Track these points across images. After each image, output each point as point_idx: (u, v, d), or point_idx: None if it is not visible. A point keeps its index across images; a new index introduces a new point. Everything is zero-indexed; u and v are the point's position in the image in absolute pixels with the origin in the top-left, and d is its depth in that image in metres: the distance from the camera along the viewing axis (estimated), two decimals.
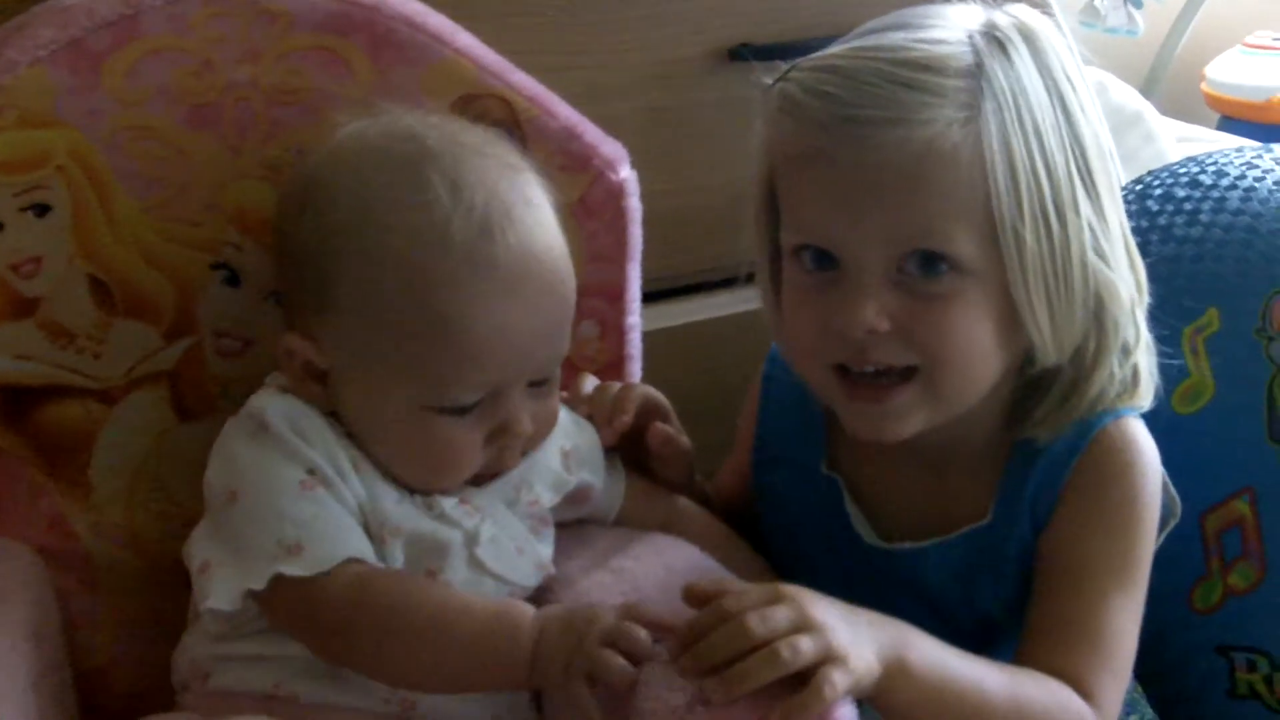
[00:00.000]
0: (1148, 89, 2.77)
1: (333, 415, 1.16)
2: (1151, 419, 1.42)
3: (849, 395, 1.22)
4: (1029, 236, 1.15)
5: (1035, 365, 1.22)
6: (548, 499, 1.24)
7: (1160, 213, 1.52)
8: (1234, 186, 1.50)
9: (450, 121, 1.21)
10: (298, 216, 1.16)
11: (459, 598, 1.10)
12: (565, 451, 1.26)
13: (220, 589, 1.08)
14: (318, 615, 1.08)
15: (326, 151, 1.17)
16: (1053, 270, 1.17)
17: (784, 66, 1.21)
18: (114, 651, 1.28)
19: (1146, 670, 1.38)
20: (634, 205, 1.36)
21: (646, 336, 1.43)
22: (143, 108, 1.20)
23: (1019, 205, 1.14)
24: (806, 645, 1.02)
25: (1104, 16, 2.55)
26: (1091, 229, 1.18)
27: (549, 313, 1.16)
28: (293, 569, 1.06)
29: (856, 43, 1.19)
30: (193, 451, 1.22)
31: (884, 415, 1.21)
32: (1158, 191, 1.55)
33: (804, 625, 1.04)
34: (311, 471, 1.11)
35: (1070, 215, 1.17)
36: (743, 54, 1.66)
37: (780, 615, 1.04)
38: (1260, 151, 1.56)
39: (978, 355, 1.19)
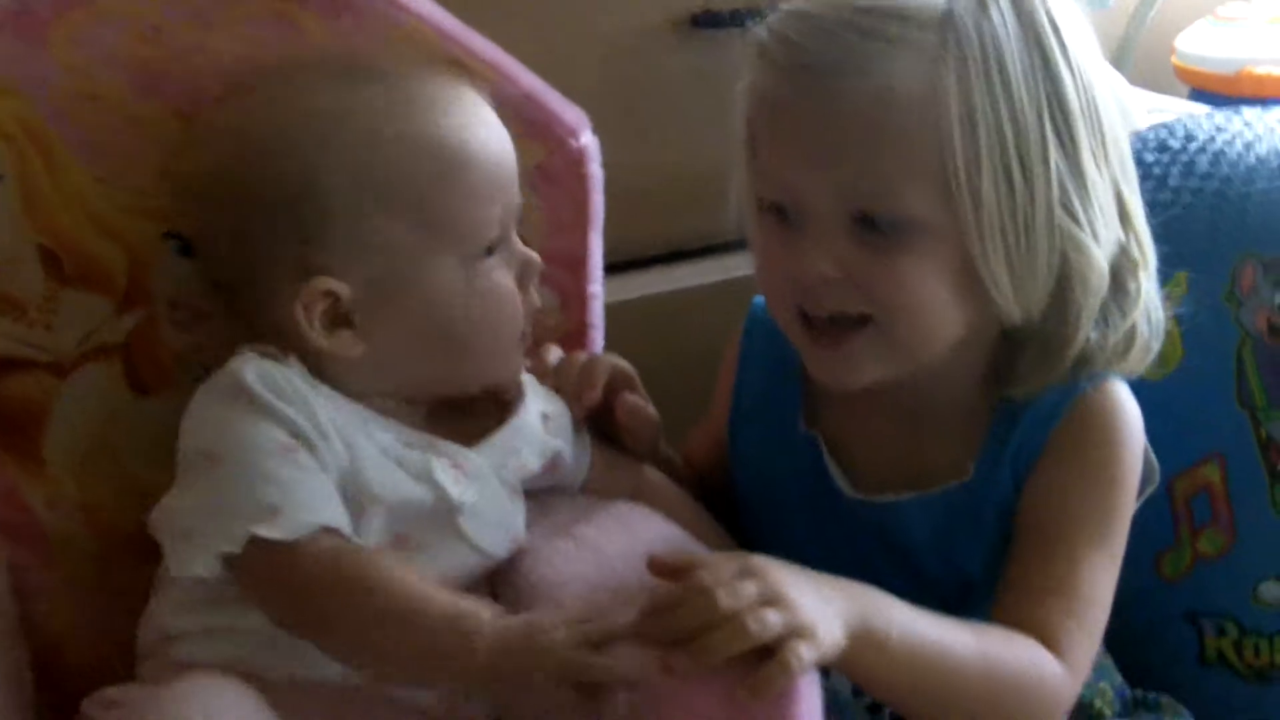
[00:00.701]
0: (1118, 61, 2.77)
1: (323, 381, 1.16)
2: None
3: (808, 340, 1.23)
4: (987, 190, 1.15)
5: (1008, 323, 1.23)
6: (534, 463, 1.24)
7: None
8: (1203, 150, 1.52)
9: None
10: (261, 165, 1.15)
11: (422, 590, 1.08)
12: (545, 415, 1.26)
13: (197, 556, 1.08)
14: (286, 582, 1.07)
15: (254, 101, 1.18)
16: (1013, 226, 1.16)
17: (765, 14, 1.22)
18: (70, 626, 1.28)
19: (1115, 638, 1.37)
20: (595, 172, 1.36)
21: (606, 309, 1.43)
22: (91, 74, 1.19)
23: (976, 158, 1.14)
24: (773, 619, 1.02)
25: None
26: (1063, 185, 1.17)
27: (510, 148, 1.20)
28: (268, 531, 1.05)
29: None
30: (148, 425, 1.23)
31: (839, 361, 1.23)
32: None
33: (772, 598, 1.03)
34: (295, 435, 1.10)
35: (1037, 170, 1.16)
36: (707, 21, 1.66)
37: (748, 588, 1.04)
38: (1229, 114, 1.57)
39: (932, 309, 1.19)
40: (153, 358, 1.26)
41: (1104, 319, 1.24)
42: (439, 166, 1.14)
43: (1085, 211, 1.20)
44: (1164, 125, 1.58)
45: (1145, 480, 1.30)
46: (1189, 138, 1.54)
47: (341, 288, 1.14)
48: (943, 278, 1.18)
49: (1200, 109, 1.69)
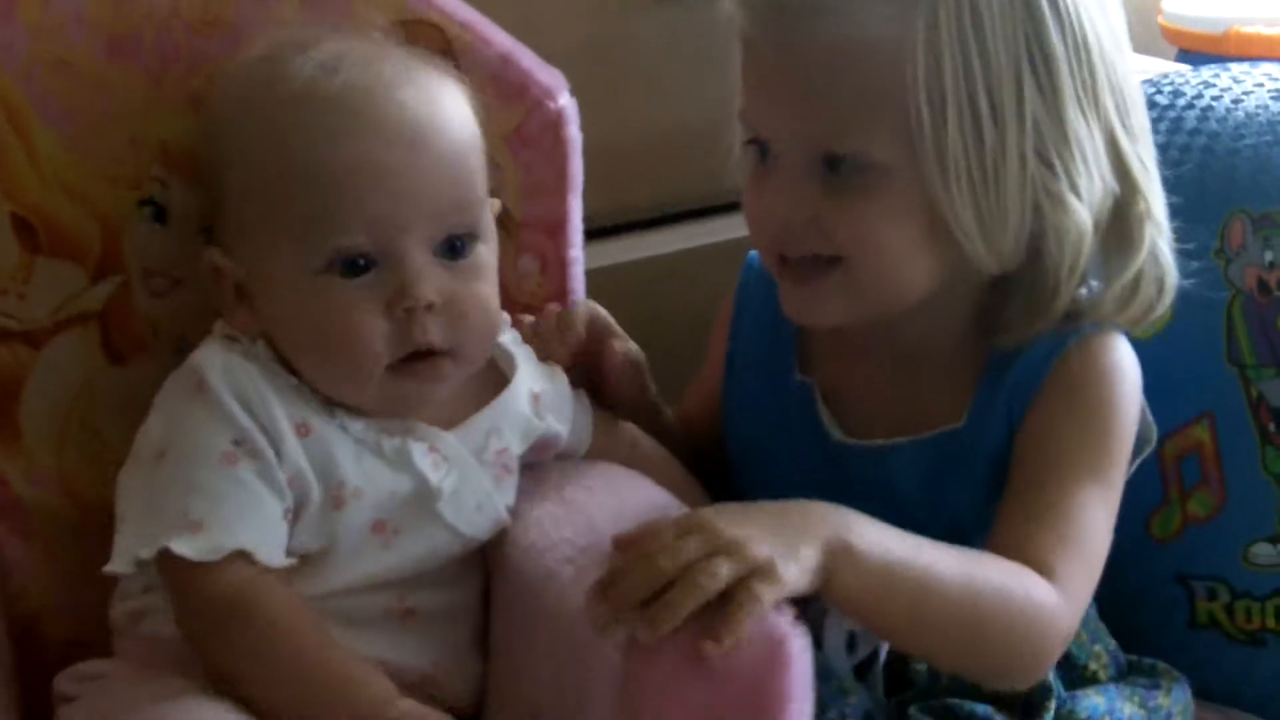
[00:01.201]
0: None
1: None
2: None
3: (780, 276, 1.26)
4: (952, 135, 1.15)
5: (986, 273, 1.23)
6: (516, 446, 1.24)
7: None
8: (1190, 106, 1.52)
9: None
10: (204, 134, 1.19)
11: (320, 651, 1.10)
12: (535, 395, 1.26)
13: (120, 550, 1.10)
14: (188, 598, 1.10)
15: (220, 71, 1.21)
16: (980, 173, 1.17)
17: None
18: (48, 599, 1.28)
19: (1104, 601, 1.38)
20: (574, 134, 1.35)
21: (590, 276, 1.43)
22: (59, 38, 1.20)
23: (941, 102, 1.15)
24: (723, 566, 1.03)
25: None
26: (1039, 133, 1.17)
27: (421, 160, 1.14)
28: (181, 547, 1.07)
29: None
30: (125, 395, 1.24)
31: (806, 299, 1.25)
32: None
33: (719, 547, 1.04)
34: (238, 442, 1.11)
35: (1009, 116, 1.16)
36: None
37: (691, 545, 1.04)
38: (1217, 70, 1.58)
39: (897, 253, 1.20)
40: (128, 326, 1.26)
41: (1105, 269, 1.25)
42: (293, 171, 1.13)
43: (1064, 162, 1.19)
44: (1150, 82, 1.58)
45: (1142, 440, 1.31)
46: (1176, 94, 1.54)
47: (227, 264, 1.17)
48: (908, 223, 1.19)
49: (1183, 68, 1.70)
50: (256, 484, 1.10)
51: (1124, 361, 1.27)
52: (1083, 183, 1.20)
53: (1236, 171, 1.47)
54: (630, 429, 1.37)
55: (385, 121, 1.13)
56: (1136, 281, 1.26)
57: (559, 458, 1.31)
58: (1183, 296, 1.41)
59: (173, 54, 1.23)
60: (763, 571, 1.03)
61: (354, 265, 1.13)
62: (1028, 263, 1.22)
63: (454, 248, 1.16)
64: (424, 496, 1.17)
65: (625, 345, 1.35)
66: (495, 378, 1.25)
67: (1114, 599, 1.36)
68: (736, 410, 1.41)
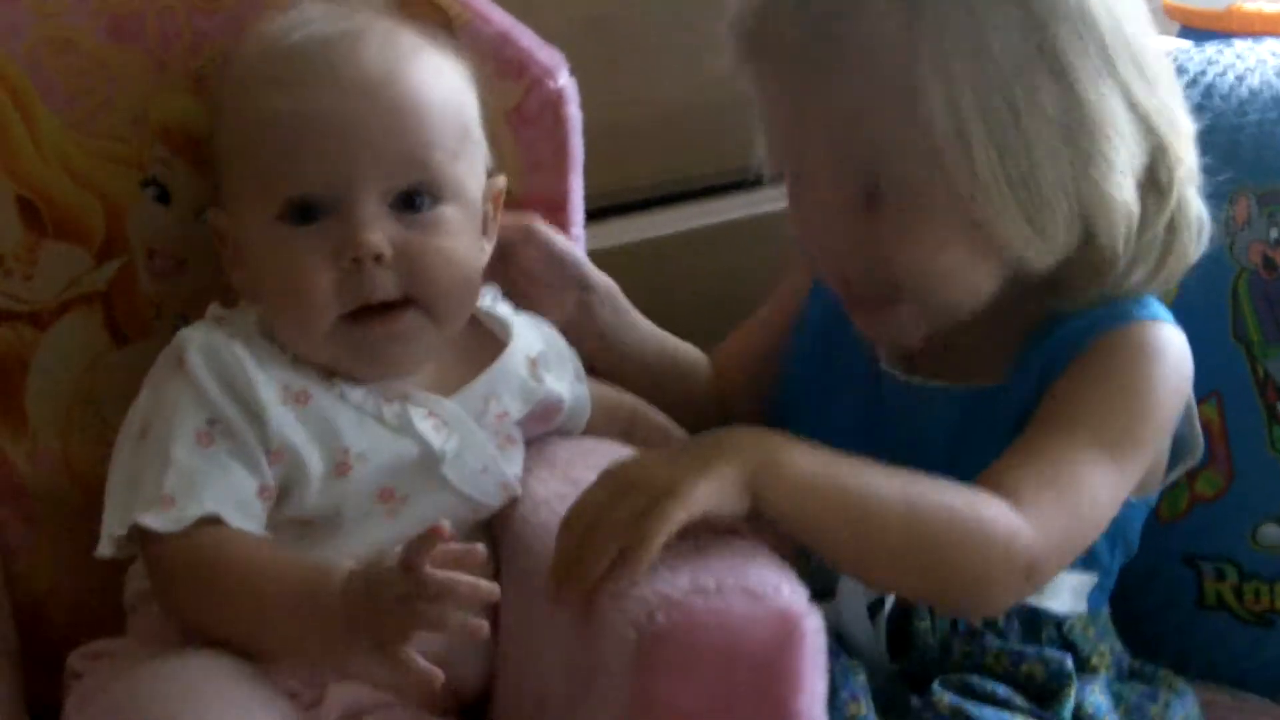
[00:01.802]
0: None
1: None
2: None
3: (850, 305, 1.29)
4: (978, 149, 1.16)
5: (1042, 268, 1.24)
6: (516, 410, 1.26)
7: None
8: (1194, 83, 1.53)
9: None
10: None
11: (272, 560, 1.12)
12: (531, 359, 1.28)
13: (104, 534, 1.13)
14: (162, 568, 1.13)
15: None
16: (1016, 177, 1.18)
17: None
18: (52, 581, 1.31)
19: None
20: (574, 113, 1.38)
21: (594, 256, 1.44)
22: (62, 20, 1.23)
23: (961, 120, 1.16)
24: (622, 508, 1.06)
25: None
26: (1063, 119, 1.18)
27: (376, 110, 1.16)
28: (151, 521, 1.10)
29: None
30: (129, 376, 1.25)
31: (884, 326, 1.28)
32: None
33: (619, 491, 1.07)
34: (212, 421, 1.14)
35: (1027, 112, 1.17)
36: None
37: (591, 500, 1.08)
38: (1220, 47, 1.59)
39: (958, 273, 1.23)
40: (132, 306, 1.29)
41: (1140, 218, 1.24)
42: (250, 123, 1.18)
43: (1095, 142, 1.20)
44: None
45: (1184, 450, 1.33)
46: (1180, 71, 1.54)
47: (224, 223, 1.21)
48: (961, 241, 1.21)
49: (1185, 44, 1.71)
50: (230, 462, 1.13)
51: (1170, 348, 1.27)
52: (1119, 156, 1.21)
53: (1241, 148, 1.48)
54: (630, 401, 1.39)
55: (340, 72, 1.16)
56: (1173, 227, 1.27)
57: (561, 431, 1.33)
58: (1187, 275, 1.43)
59: (174, 35, 1.26)
60: (668, 492, 1.05)
61: (305, 213, 1.16)
62: (1082, 240, 1.23)
63: (411, 202, 1.18)
64: (427, 461, 1.20)
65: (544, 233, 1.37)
66: (492, 344, 1.27)
67: (1121, 579, 1.37)
68: (804, 335, 1.44)
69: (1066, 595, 1.31)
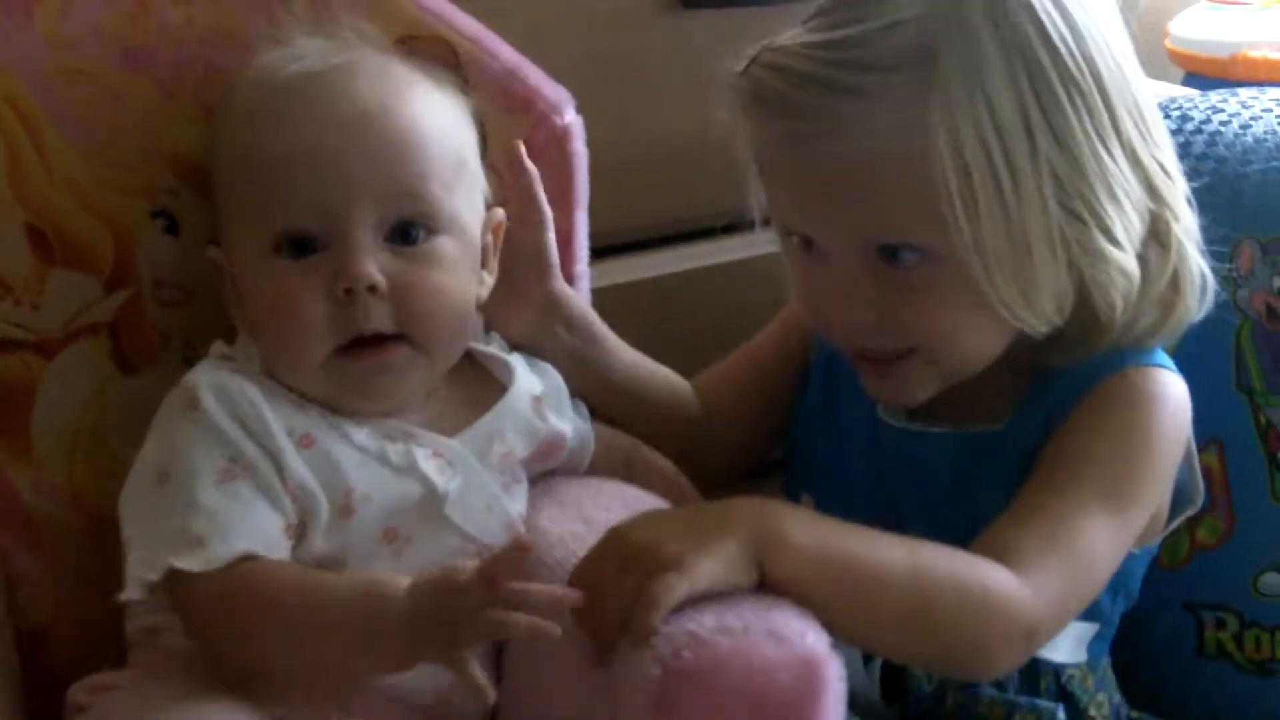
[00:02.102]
0: None
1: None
2: None
3: (858, 364, 1.31)
4: (984, 217, 1.18)
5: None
6: (521, 449, 1.27)
7: None
8: (1199, 131, 1.55)
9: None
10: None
11: (321, 580, 1.13)
12: (535, 397, 1.30)
13: (131, 578, 1.13)
14: (193, 610, 1.13)
15: None
16: (1011, 244, 1.19)
17: (753, 51, 1.26)
18: (55, 610, 1.31)
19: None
20: (579, 150, 1.40)
21: (593, 294, 1.47)
22: (76, 50, 1.24)
23: (969, 187, 1.18)
24: (627, 583, 1.07)
25: None
26: (1059, 182, 1.19)
27: (367, 143, 1.18)
28: (186, 563, 1.10)
29: (811, 33, 1.22)
30: (134, 405, 1.26)
31: (894, 386, 1.30)
32: None
33: (624, 564, 1.08)
34: (233, 459, 1.14)
35: (1026, 177, 1.19)
36: (695, 1, 1.69)
37: (595, 570, 1.10)
38: (1225, 95, 1.60)
39: (967, 332, 1.25)
40: (139, 336, 1.30)
41: (1143, 274, 1.26)
42: (244, 157, 1.20)
43: (1091, 209, 1.21)
44: (1159, 106, 1.59)
45: (1185, 500, 1.34)
46: (1184, 118, 1.57)
47: (222, 258, 1.23)
48: (969, 301, 1.22)
49: (1190, 92, 1.72)
50: (254, 498, 1.14)
51: (1169, 395, 1.29)
52: (1118, 225, 1.23)
53: (1244, 197, 1.49)
54: (626, 440, 1.41)
55: (332, 105, 1.18)
56: (1175, 284, 1.29)
57: (565, 469, 1.35)
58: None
59: (186, 66, 1.28)
60: (673, 567, 1.07)
61: (299, 246, 1.17)
62: (1079, 304, 1.25)
63: (406, 234, 1.19)
64: (431, 500, 1.20)
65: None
66: (493, 385, 1.29)
67: (1122, 625, 1.39)
68: (811, 377, 1.46)
69: (1067, 645, 1.32)
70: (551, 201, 1.38)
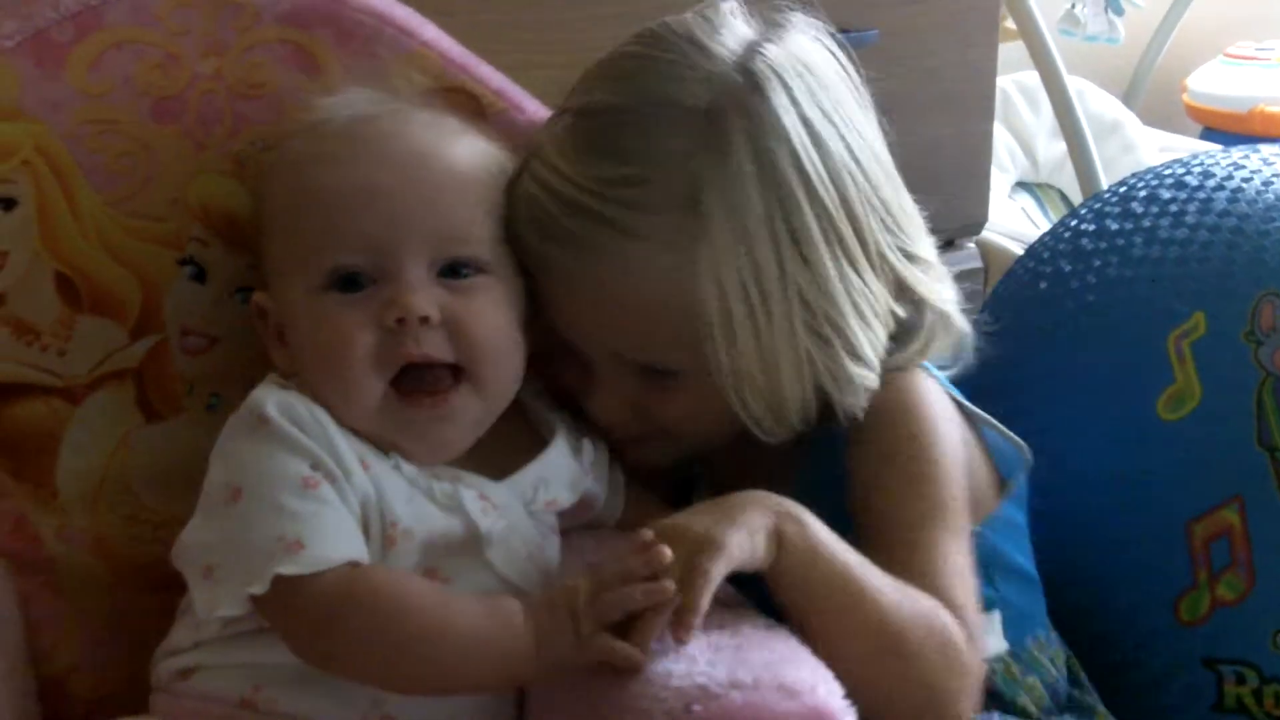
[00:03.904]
0: (1129, 98, 2.85)
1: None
2: (1136, 426, 1.48)
3: (612, 442, 1.35)
4: (740, 350, 1.23)
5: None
6: (565, 498, 1.29)
7: (1144, 215, 1.58)
8: (1220, 187, 1.56)
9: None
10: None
11: (450, 596, 1.15)
12: (574, 446, 1.31)
13: (223, 596, 1.12)
14: (313, 616, 1.12)
15: None
16: (762, 370, 1.25)
17: (534, 144, 1.29)
18: (77, 657, 1.32)
19: (1128, 683, 1.43)
20: None
21: None
22: (107, 100, 1.27)
23: (730, 328, 1.23)
24: (665, 553, 1.10)
25: (1084, 24, 2.63)
26: (806, 305, 1.24)
27: (420, 185, 1.21)
28: (291, 568, 1.10)
29: (582, 156, 1.24)
30: (158, 452, 1.30)
31: (639, 458, 1.36)
32: (1142, 193, 1.61)
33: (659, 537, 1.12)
34: (315, 466, 1.15)
35: (777, 309, 1.23)
36: None
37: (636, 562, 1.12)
38: (1247, 152, 1.62)
39: (714, 423, 1.31)
40: (164, 384, 1.32)
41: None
42: (296, 197, 1.22)
43: (838, 330, 1.26)
44: (1181, 162, 1.63)
45: (1012, 460, 1.39)
46: (1206, 175, 1.58)
47: (268, 303, 1.24)
48: (719, 406, 1.27)
49: (1211, 147, 1.73)
50: (339, 504, 1.15)
51: (918, 392, 1.33)
52: (864, 342, 1.28)
53: (1266, 253, 1.50)
54: (659, 503, 1.40)
55: (386, 148, 1.21)
56: (925, 345, 1.35)
57: (591, 525, 1.36)
58: (1212, 378, 1.45)
59: (215, 118, 1.30)
60: (702, 544, 1.11)
61: (350, 281, 1.19)
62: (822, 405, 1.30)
63: (456, 271, 1.21)
64: (473, 542, 1.21)
65: None
66: (537, 438, 1.30)
67: (1138, 680, 1.40)
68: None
69: None
70: None
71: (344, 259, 1.19)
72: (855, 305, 1.26)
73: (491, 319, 1.22)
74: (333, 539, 1.12)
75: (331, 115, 1.24)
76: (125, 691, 1.27)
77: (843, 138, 1.27)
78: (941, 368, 1.39)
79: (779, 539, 1.15)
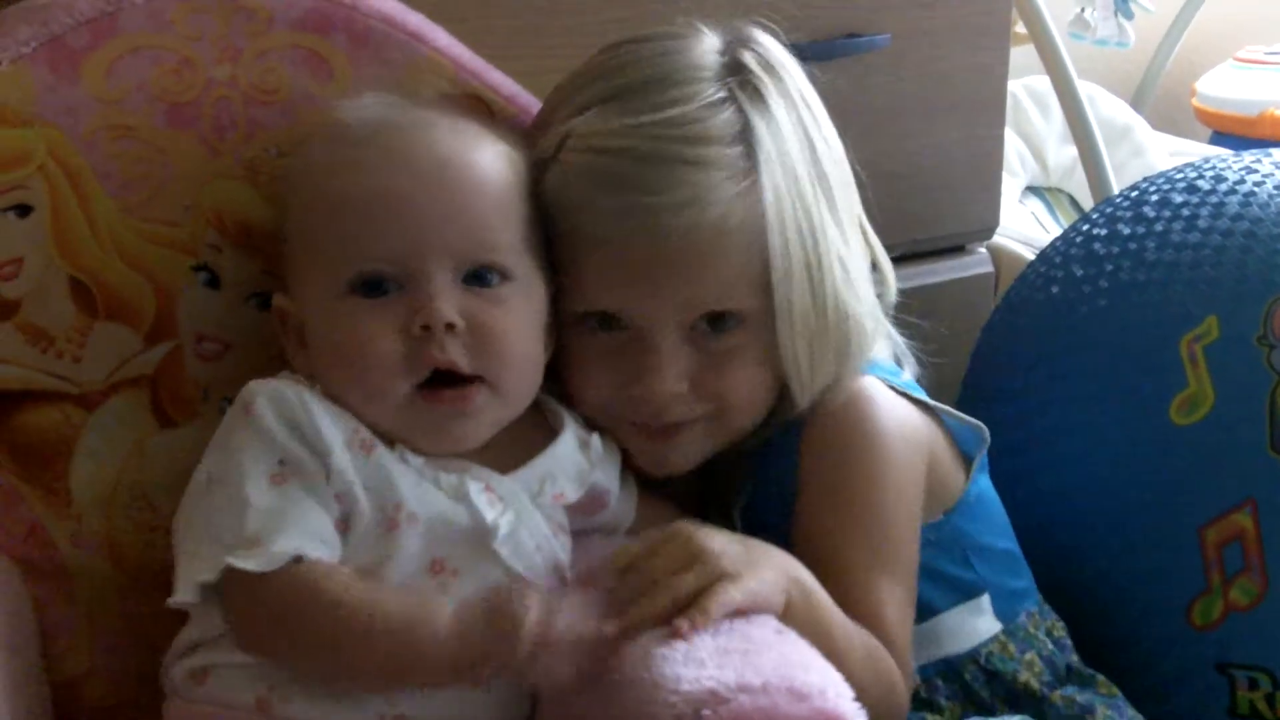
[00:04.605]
0: (1138, 102, 2.85)
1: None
2: (1149, 430, 1.48)
3: (639, 437, 1.35)
4: (797, 288, 1.27)
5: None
6: (571, 492, 1.30)
7: (1157, 219, 1.58)
8: (1233, 191, 1.57)
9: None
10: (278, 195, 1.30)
11: (380, 595, 1.15)
12: (582, 440, 1.32)
13: (182, 580, 1.15)
14: (255, 610, 1.15)
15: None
16: (814, 315, 1.29)
17: (558, 133, 1.29)
18: (91, 662, 1.33)
19: (1141, 687, 1.42)
20: None
21: None
22: (122, 106, 1.27)
23: (790, 261, 1.27)
24: (690, 576, 1.14)
25: (1094, 28, 2.63)
26: (841, 262, 1.30)
27: (446, 192, 1.22)
28: (243, 562, 1.12)
29: (628, 116, 1.27)
30: (173, 459, 1.30)
31: (670, 453, 1.35)
32: (1154, 197, 1.62)
33: (691, 559, 1.15)
34: (284, 462, 1.17)
35: (825, 256, 1.29)
36: None
37: (665, 555, 1.16)
38: (1259, 156, 1.62)
39: (758, 395, 1.33)
40: (178, 389, 1.33)
41: None
42: (322, 202, 1.23)
43: (858, 278, 1.33)
44: (1192, 166, 1.63)
45: (974, 440, 1.41)
46: (1219, 179, 1.59)
47: (289, 305, 1.26)
48: (765, 369, 1.31)
49: (1222, 151, 1.73)
50: (305, 499, 1.16)
51: (870, 403, 1.36)
52: (862, 288, 1.35)
53: (1279, 257, 1.51)
54: (673, 509, 1.42)
55: (412, 155, 1.22)
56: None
57: (603, 530, 1.37)
58: (1225, 382, 1.46)
59: (229, 124, 1.31)
60: (733, 578, 1.14)
61: (375, 286, 1.21)
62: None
63: (481, 278, 1.23)
64: (479, 533, 1.22)
65: None
66: (546, 431, 1.31)
67: (1150, 685, 1.39)
68: None
69: (964, 632, 1.39)
70: None
71: (369, 265, 1.20)
72: (859, 260, 1.35)
73: (515, 325, 1.23)
74: (286, 535, 1.14)
75: (354, 121, 1.25)
76: (138, 697, 1.28)
77: (821, 112, 1.35)
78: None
79: (787, 600, 1.19)
